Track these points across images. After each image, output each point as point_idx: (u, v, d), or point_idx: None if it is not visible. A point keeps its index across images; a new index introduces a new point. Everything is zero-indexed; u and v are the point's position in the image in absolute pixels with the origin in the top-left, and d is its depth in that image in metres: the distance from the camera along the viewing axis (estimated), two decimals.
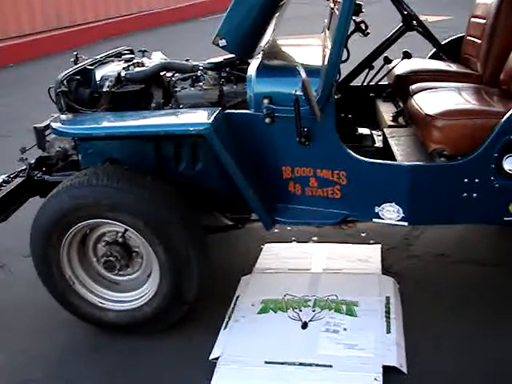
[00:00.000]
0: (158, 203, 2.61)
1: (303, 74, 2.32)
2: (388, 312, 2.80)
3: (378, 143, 3.14)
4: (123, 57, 3.28)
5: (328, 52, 2.49)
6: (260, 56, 2.83)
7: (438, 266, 3.26)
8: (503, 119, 2.42)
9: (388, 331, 2.68)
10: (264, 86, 2.61)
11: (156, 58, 3.42)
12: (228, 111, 2.69)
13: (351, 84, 3.65)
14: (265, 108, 2.58)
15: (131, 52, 3.46)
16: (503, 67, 3.08)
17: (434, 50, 3.77)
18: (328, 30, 3.09)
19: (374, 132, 3.26)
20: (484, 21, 3.37)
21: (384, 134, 3.08)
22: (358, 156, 2.57)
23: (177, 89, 3.00)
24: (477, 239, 3.46)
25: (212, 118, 2.55)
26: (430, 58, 3.82)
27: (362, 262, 3.26)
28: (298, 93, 2.41)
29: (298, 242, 3.55)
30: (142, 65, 3.23)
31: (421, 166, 2.54)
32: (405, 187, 2.53)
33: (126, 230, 2.68)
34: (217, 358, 2.61)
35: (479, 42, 3.40)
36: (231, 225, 3.09)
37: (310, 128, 2.55)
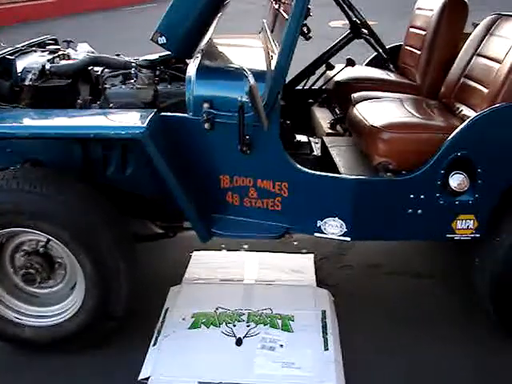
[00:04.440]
0: (85, 211, 2.40)
1: (251, 80, 2.18)
2: (325, 327, 2.72)
3: (316, 151, 3.04)
4: (47, 47, 3.01)
5: (275, 56, 2.36)
6: (199, 56, 2.66)
7: (372, 276, 3.22)
8: (451, 136, 2.38)
9: (326, 348, 2.60)
10: (205, 89, 2.45)
11: (82, 50, 3.18)
12: (164, 114, 2.51)
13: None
14: (205, 112, 2.42)
15: (55, 42, 3.19)
16: (442, 79, 3.08)
17: (371, 57, 3.73)
18: (271, 31, 2.96)
19: (311, 139, 3.16)
20: (424, 32, 3.35)
21: (323, 143, 2.99)
22: (301, 167, 2.46)
23: (106, 86, 2.78)
24: (409, 250, 3.44)
25: (147, 121, 2.36)
26: (367, 65, 3.77)
27: (295, 273, 3.17)
28: (243, 99, 2.27)
29: (229, 250, 3.41)
30: (68, 57, 2.98)
31: (367, 181, 2.47)
32: (349, 201, 2.45)
33: (48, 240, 2.45)
34: (147, 379, 2.43)
35: (418, 52, 3.38)
36: (162, 233, 2.91)
37: (253, 136, 2.41)
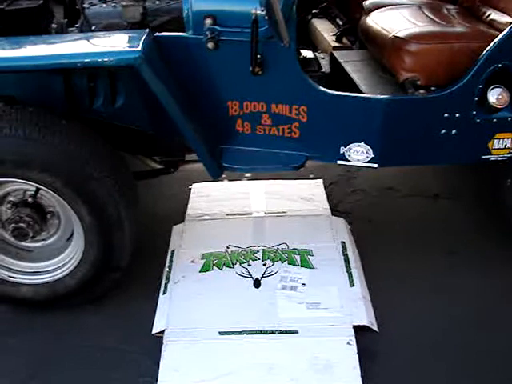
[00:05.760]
0: (77, 153, 2.09)
1: None
2: (347, 261, 2.51)
3: (324, 68, 2.73)
4: None
5: None
6: None
7: (388, 200, 3.02)
8: (490, 45, 2.11)
9: (351, 284, 2.40)
10: (206, 2, 2.10)
11: None
12: (158, 34, 2.16)
13: None
14: (207, 30, 2.08)
15: None
16: None
17: None
18: None
19: (316, 55, 2.83)
20: None
21: (333, 58, 2.68)
22: (322, 88, 2.17)
23: (85, 5, 2.40)
24: (420, 171, 3.21)
25: (141, 43, 2.03)
26: None
27: (306, 202, 2.94)
28: (257, 12, 1.94)
29: (230, 180, 3.14)
30: None
31: (399, 100, 2.19)
32: (378, 124, 2.19)
33: (38, 190, 2.15)
34: (162, 332, 2.22)
35: None
36: (161, 169, 2.63)
37: (266, 54, 2.10)
